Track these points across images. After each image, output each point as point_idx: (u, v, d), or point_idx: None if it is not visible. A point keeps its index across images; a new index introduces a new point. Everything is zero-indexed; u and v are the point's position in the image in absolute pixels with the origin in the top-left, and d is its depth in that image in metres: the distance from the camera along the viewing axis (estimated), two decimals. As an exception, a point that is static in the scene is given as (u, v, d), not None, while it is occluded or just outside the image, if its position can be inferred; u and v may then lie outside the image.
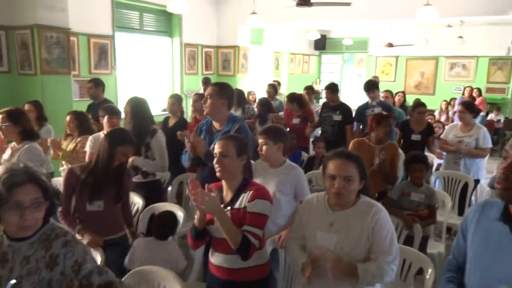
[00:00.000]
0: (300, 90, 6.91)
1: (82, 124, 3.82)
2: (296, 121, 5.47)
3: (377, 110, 4.93)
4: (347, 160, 1.83)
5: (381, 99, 5.42)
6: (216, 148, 2.07)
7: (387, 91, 5.70)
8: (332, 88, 5.31)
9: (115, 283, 1.54)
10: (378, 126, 3.39)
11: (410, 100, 11.46)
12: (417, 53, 11.37)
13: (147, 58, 7.56)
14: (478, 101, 9.15)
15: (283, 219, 2.63)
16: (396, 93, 7.58)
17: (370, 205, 1.87)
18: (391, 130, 3.50)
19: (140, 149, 3.15)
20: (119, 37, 6.71)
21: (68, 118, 3.77)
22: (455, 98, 9.63)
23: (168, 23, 7.70)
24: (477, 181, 4.39)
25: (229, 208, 1.99)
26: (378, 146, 3.40)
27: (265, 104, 5.87)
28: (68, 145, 3.81)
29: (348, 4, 5.72)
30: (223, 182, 2.09)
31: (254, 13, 6.95)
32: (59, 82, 5.13)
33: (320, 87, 13.34)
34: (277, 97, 7.32)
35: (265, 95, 6.81)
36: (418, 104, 4.65)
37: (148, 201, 3.15)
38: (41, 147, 3.86)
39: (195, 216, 2.00)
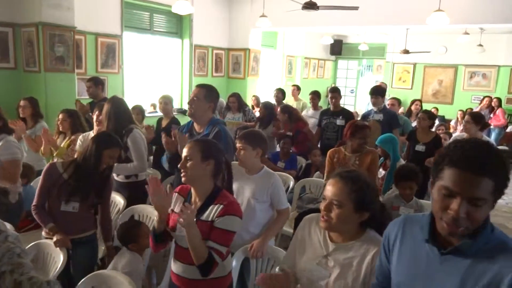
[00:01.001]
0: None
1: (75, 122, 3.84)
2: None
3: (378, 117, 4.78)
4: (340, 180, 1.57)
5: (387, 106, 5.25)
6: (183, 151, 2.01)
7: (394, 98, 5.53)
8: (339, 91, 5.20)
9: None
10: (352, 137, 3.31)
11: (428, 108, 11.20)
12: (436, 60, 11.07)
13: (157, 59, 7.60)
14: (498, 111, 8.78)
15: (257, 227, 2.54)
16: (413, 102, 7.38)
17: (375, 242, 1.54)
18: (365, 141, 3.33)
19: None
20: (128, 37, 6.77)
21: (60, 116, 3.79)
22: (472, 108, 9.29)
23: (178, 24, 7.72)
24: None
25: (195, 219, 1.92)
26: (354, 154, 3.30)
27: (268, 108, 5.76)
28: (62, 143, 3.84)
29: (356, 8, 5.59)
30: (192, 188, 2.02)
31: (263, 16, 6.90)
32: (63, 80, 5.18)
33: (335, 92, 13.18)
34: (296, 102, 7.09)
35: (273, 99, 6.72)
36: (423, 111, 4.49)
37: (131, 202, 3.12)
38: (36, 143, 3.93)
39: (154, 218, 1.94)
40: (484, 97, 9.10)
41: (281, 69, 10.58)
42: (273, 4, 7.15)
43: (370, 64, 14.57)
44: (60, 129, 3.84)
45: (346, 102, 13.25)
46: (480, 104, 8.99)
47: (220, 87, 8.57)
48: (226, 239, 1.87)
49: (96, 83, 4.87)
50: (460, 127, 8.55)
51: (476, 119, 4.18)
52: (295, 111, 5.65)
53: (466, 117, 4.21)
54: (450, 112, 10.27)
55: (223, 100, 6.18)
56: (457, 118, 9.10)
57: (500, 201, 4.11)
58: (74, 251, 2.39)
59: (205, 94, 2.76)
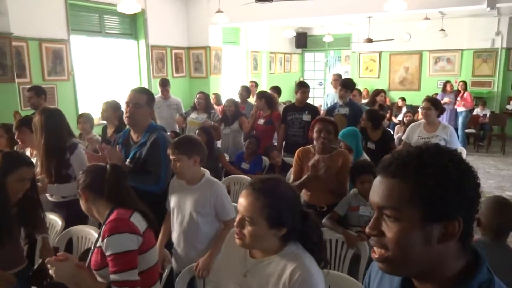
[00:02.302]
0: (282, 91, 6.52)
1: (13, 138, 3.47)
2: (260, 122, 5.12)
3: (344, 111, 4.60)
4: (252, 192, 1.37)
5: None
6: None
7: (356, 89, 5.34)
8: (305, 85, 4.97)
9: None
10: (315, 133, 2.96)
11: (397, 97, 11.18)
12: (400, 48, 11.04)
13: (111, 62, 7.22)
14: (466, 95, 8.75)
15: (203, 243, 2.29)
16: (377, 92, 7.11)
17: (293, 257, 1.37)
18: (330, 139, 2.94)
19: (51, 171, 2.76)
20: (77, 41, 6.37)
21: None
22: (437, 94, 9.29)
23: (132, 24, 7.36)
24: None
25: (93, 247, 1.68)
26: (323, 155, 2.94)
27: (234, 105, 5.48)
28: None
29: (311, -2, 5.39)
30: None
31: (219, 11, 6.64)
32: (2, 91, 4.78)
33: (304, 86, 13.04)
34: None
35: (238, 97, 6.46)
36: (366, 110, 4.33)
37: (69, 222, 2.81)
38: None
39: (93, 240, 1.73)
40: (445, 82, 9.09)
41: (246, 66, 10.33)
42: (228, -1, 6.90)
43: (339, 55, 14.53)
44: (-6, 146, 3.47)
45: (316, 95, 13.13)
46: (442, 90, 8.96)
47: (183, 88, 8.31)
48: (123, 262, 1.63)
49: (38, 93, 4.50)
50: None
51: (436, 104, 4.02)
52: (272, 96, 5.42)
53: (424, 103, 4.03)
54: (418, 98, 10.21)
55: (179, 99, 5.90)
56: (424, 105, 9.07)
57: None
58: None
59: (147, 100, 2.50)
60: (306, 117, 4.65)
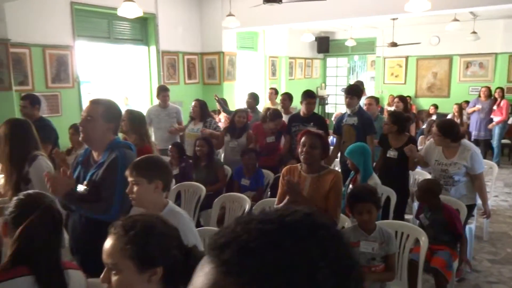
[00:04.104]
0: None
1: None
2: (270, 139, 4.75)
3: (352, 121, 4.15)
4: (112, 235, 1.21)
5: (364, 107, 4.61)
6: None
7: (371, 97, 4.86)
8: (312, 95, 4.55)
9: None
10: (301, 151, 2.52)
11: (425, 104, 10.52)
12: (429, 52, 10.40)
13: (121, 69, 7.05)
14: (502, 103, 7.92)
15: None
16: (399, 98, 6.59)
17: None
18: (314, 156, 2.48)
19: (12, 186, 2.50)
20: (84, 47, 6.22)
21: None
22: (468, 101, 8.62)
23: (143, 30, 7.16)
24: (471, 207, 3.53)
25: None
26: (311, 175, 2.53)
27: (247, 116, 5.10)
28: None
29: (323, -1, 4.99)
30: None
31: (230, 14, 6.33)
32: (-2, 99, 4.63)
33: (326, 92, 12.57)
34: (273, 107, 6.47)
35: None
36: (390, 113, 3.85)
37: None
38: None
39: None
40: (482, 87, 8.34)
41: (264, 72, 9.97)
42: (241, 2, 6.59)
43: (364, 60, 13.95)
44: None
45: (338, 101, 12.62)
46: (478, 96, 8.23)
47: (196, 94, 8.02)
48: None
49: (32, 102, 4.30)
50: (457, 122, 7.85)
51: (448, 132, 3.38)
52: (277, 110, 5.05)
53: (434, 129, 3.45)
54: (447, 106, 9.56)
55: (178, 107, 5.57)
56: (454, 113, 8.42)
57: (502, 203, 3.41)
58: None
59: (102, 113, 2.17)
60: (311, 129, 4.22)
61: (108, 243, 1.14)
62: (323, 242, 0.48)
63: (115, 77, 7.32)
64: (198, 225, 3.98)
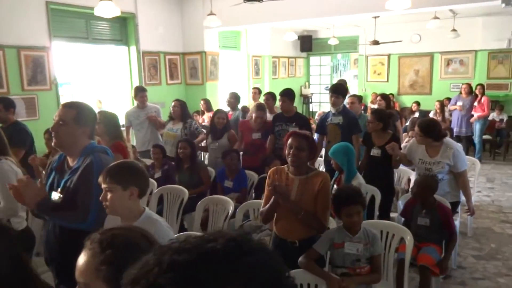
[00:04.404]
0: None
1: None
2: (256, 136, 4.68)
3: (337, 120, 4.12)
4: (87, 250, 1.08)
5: (346, 105, 4.58)
6: None
7: (354, 96, 4.84)
8: (289, 95, 4.50)
9: None
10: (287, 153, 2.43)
11: (407, 101, 10.60)
12: (410, 50, 10.49)
13: (101, 70, 6.89)
14: (483, 100, 7.99)
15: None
16: (382, 96, 6.56)
17: None
18: (301, 158, 2.38)
19: None
20: (61, 48, 6.04)
21: None
22: (450, 98, 8.71)
23: (122, 30, 7.01)
24: (455, 204, 3.53)
25: None
26: (299, 177, 2.44)
27: (226, 117, 5.03)
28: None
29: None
30: None
31: (212, 13, 6.25)
32: (-30, 103, 4.43)
33: (310, 91, 12.57)
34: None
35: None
36: (373, 111, 3.84)
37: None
38: None
39: None
40: (463, 84, 8.41)
41: (247, 71, 9.91)
42: (222, 2, 6.51)
43: (347, 59, 14.02)
44: None
45: (322, 100, 12.65)
46: (459, 93, 8.31)
47: (178, 95, 7.89)
48: None
49: (6, 106, 4.12)
50: (439, 119, 7.90)
51: (430, 131, 3.36)
52: (264, 105, 4.98)
53: (416, 129, 3.42)
54: (429, 103, 9.66)
55: (158, 105, 5.45)
56: (436, 110, 8.50)
57: (485, 198, 3.43)
58: None
59: (75, 116, 2.07)
60: (293, 129, 4.18)
61: (81, 259, 1.02)
62: (246, 271, 0.42)
63: (95, 78, 7.14)
64: (182, 229, 3.90)
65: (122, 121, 6.15)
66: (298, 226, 2.35)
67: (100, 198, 1.80)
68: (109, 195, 1.78)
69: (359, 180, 3.00)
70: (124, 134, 5.53)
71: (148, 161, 4.81)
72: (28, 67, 5.49)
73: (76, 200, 1.96)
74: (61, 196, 2.01)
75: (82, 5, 5.94)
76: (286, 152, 2.45)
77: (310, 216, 2.32)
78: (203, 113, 7.07)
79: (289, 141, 2.45)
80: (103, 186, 1.79)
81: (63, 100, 7.66)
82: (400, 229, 2.73)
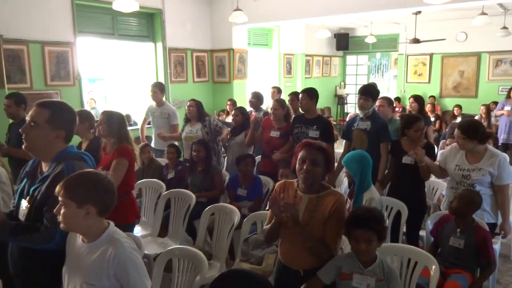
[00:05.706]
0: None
1: None
2: (275, 134, 4.35)
3: (364, 125, 3.71)
4: None
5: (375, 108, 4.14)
6: None
7: (383, 98, 4.38)
8: (310, 92, 4.10)
9: None
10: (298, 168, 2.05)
11: (450, 104, 9.88)
12: (455, 49, 9.76)
13: (127, 66, 6.82)
14: None
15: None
16: (413, 98, 5.97)
17: None
18: (316, 176, 2.02)
19: None
20: (86, 44, 6.01)
21: None
22: (497, 102, 7.98)
23: (149, 26, 6.90)
24: (492, 226, 3.06)
25: None
26: (309, 195, 2.06)
27: (241, 113, 4.78)
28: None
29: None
30: None
31: (238, 9, 5.99)
32: (-11, 98, 4.43)
33: (345, 91, 12.08)
34: None
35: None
36: (413, 119, 3.39)
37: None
38: None
39: None
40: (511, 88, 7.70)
41: (278, 70, 9.58)
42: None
43: (387, 58, 13.32)
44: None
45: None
46: (506, 97, 7.58)
47: (206, 93, 7.74)
48: None
49: (18, 102, 4.04)
50: (485, 124, 7.23)
51: (472, 133, 2.94)
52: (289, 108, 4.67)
53: (457, 131, 3.01)
54: (474, 107, 8.94)
55: (174, 108, 5.23)
56: (481, 115, 7.82)
57: None
58: None
59: (49, 118, 1.84)
60: (313, 133, 3.81)
61: None
62: None
63: (126, 74, 7.08)
64: (193, 233, 3.66)
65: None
66: (303, 252, 2.01)
67: (54, 210, 1.56)
68: (62, 210, 1.54)
69: (372, 194, 2.60)
70: (139, 132, 5.44)
71: (164, 161, 4.63)
72: (51, 62, 5.48)
73: (42, 213, 1.74)
74: (28, 206, 1.81)
75: (107, 1, 5.86)
76: (298, 166, 2.06)
77: (320, 246, 1.97)
78: (227, 114, 6.84)
79: (301, 153, 2.05)
80: (59, 198, 1.55)
81: (93, 96, 7.67)
82: (424, 256, 2.34)
